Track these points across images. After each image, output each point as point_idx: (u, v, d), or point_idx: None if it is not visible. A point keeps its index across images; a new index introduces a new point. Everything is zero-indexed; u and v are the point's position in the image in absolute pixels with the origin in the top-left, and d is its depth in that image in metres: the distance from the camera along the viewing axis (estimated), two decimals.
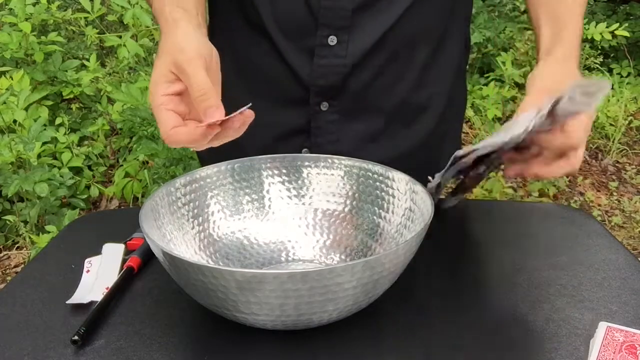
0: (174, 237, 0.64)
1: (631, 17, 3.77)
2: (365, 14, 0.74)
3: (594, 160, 2.92)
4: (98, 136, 2.45)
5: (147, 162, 2.20)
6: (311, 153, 0.82)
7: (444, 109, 0.85)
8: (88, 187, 2.26)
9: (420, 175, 0.88)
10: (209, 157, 0.94)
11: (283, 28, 0.77)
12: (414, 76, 0.81)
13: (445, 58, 0.83)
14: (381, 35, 0.75)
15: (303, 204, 0.72)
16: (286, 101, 0.81)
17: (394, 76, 0.79)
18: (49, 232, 1.89)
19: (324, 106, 0.79)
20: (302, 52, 0.77)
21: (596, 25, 3.10)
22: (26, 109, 2.05)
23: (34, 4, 2.38)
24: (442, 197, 0.75)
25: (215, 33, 0.88)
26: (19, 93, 2.02)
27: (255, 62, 0.82)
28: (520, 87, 3.15)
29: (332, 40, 0.75)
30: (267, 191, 0.72)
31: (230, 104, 0.89)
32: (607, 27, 3.06)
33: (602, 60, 3.35)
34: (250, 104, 0.55)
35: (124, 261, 0.68)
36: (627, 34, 3.05)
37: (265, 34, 0.78)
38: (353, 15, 0.74)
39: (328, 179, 0.71)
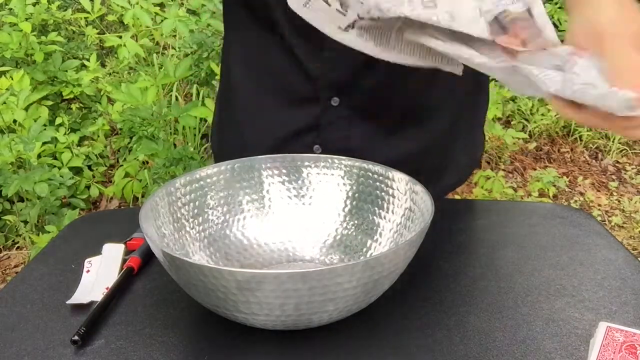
0: (174, 237, 0.64)
1: None
2: None
3: (594, 160, 2.92)
4: (98, 136, 2.45)
5: (147, 162, 2.20)
6: (323, 150, 0.82)
7: (458, 109, 0.85)
8: (88, 187, 2.26)
9: (431, 175, 0.87)
10: (219, 155, 0.94)
11: (294, 22, 0.77)
12: (426, 75, 0.80)
13: None
14: None
15: (303, 204, 0.72)
16: (297, 98, 0.81)
17: (406, 74, 0.79)
18: (49, 232, 1.89)
19: (335, 101, 0.79)
20: (312, 46, 0.76)
21: None
22: (26, 109, 2.05)
23: (34, 4, 2.38)
24: None
25: (226, 31, 0.88)
26: (19, 93, 2.02)
27: (265, 59, 0.82)
28: None
29: None
30: (267, 191, 0.72)
31: (240, 103, 0.89)
32: None
33: None
34: None
35: (124, 261, 0.68)
36: None
37: (275, 30, 0.77)
38: None
39: (328, 179, 0.71)
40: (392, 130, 0.82)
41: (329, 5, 0.52)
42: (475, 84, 0.86)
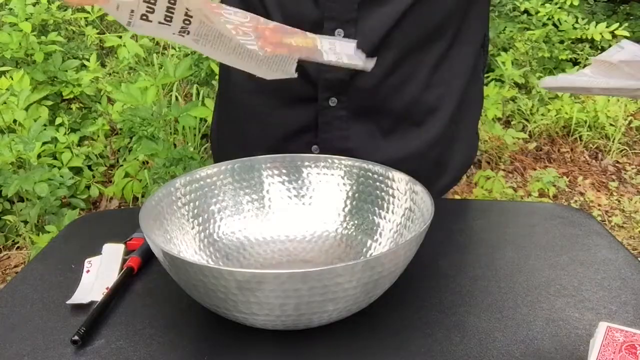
0: (174, 237, 0.64)
1: (631, 17, 3.77)
2: (371, 7, 0.74)
3: (594, 160, 2.92)
4: (98, 136, 2.45)
5: (147, 162, 2.20)
6: (321, 150, 0.82)
7: (456, 109, 0.85)
8: (88, 187, 2.27)
9: (430, 175, 0.88)
10: (219, 156, 0.94)
11: (289, 22, 0.77)
12: (424, 76, 0.80)
13: (458, 59, 0.82)
14: (389, 29, 0.75)
15: (303, 204, 0.72)
16: (294, 98, 0.81)
17: (404, 75, 0.79)
18: (49, 232, 1.89)
19: (332, 102, 0.79)
20: None
21: (596, 25, 3.10)
22: (26, 109, 2.05)
23: (34, 4, 2.38)
24: None
25: None
26: (19, 93, 2.03)
27: None
28: (520, 87, 3.15)
29: (339, 33, 0.75)
30: (267, 191, 0.72)
31: (239, 104, 0.89)
32: (607, 27, 3.06)
33: None
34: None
35: (124, 261, 0.68)
36: (627, 34, 3.05)
37: None
38: (359, 8, 0.74)
39: (328, 179, 0.71)
40: (390, 130, 0.82)
41: (150, 21, 0.57)
42: (470, 84, 0.87)
